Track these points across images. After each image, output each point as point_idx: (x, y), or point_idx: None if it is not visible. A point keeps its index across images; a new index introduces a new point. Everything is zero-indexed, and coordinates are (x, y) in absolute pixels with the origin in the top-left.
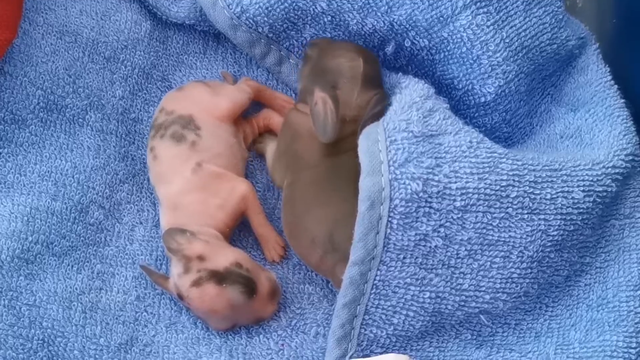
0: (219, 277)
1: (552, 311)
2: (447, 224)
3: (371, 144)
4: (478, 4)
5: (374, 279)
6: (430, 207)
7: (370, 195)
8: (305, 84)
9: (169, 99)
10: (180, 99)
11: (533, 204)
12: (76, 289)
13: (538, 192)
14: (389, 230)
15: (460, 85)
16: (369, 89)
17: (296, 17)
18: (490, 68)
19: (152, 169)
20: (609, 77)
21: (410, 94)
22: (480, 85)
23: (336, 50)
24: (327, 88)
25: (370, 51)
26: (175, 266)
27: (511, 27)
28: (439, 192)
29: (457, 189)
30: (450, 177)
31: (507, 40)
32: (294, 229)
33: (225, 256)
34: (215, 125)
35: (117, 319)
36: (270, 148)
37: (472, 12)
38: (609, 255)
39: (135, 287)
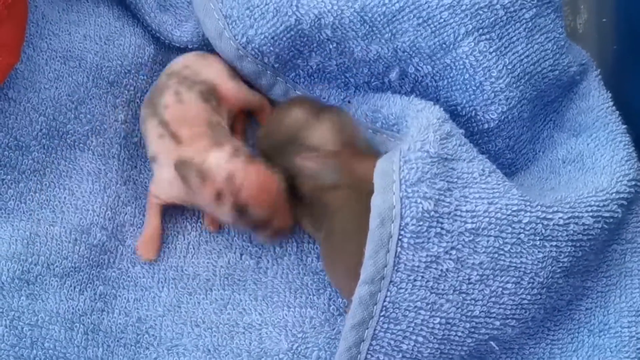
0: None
1: (554, 335)
2: (459, 246)
3: (386, 165)
4: (480, 30)
5: (384, 301)
6: (442, 228)
7: (381, 212)
8: (286, 168)
9: (192, 60)
10: (206, 66)
11: (546, 230)
12: (78, 310)
13: (550, 216)
14: (399, 249)
15: (464, 112)
16: (322, 115)
17: (302, 44)
18: (493, 94)
19: (174, 108)
20: (611, 103)
21: (427, 117)
22: (483, 112)
23: (274, 123)
24: (297, 151)
25: (300, 96)
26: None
27: (514, 54)
28: (450, 212)
29: (467, 211)
30: (460, 201)
31: (510, 67)
32: (334, 265)
33: None
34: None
35: (118, 341)
36: (299, 207)
37: (475, 38)
38: (610, 280)
39: (137, 309)
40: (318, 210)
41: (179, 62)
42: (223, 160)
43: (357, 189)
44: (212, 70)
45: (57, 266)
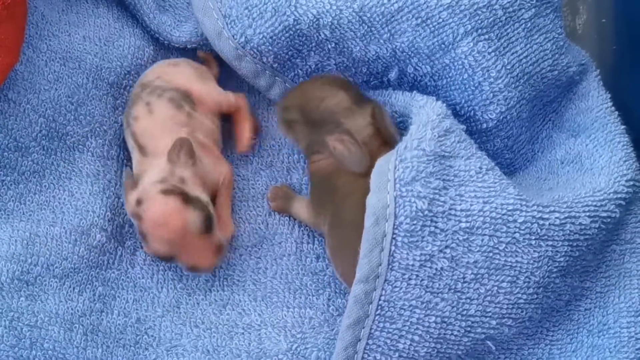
0: (187, 198)
1: (552, 336)
2: (453, 245)
3: (384, 164)
4: (479, 30)
5: (379, 299)
6: (436, 227)
7: (375, 211)
8: (309, 141)
9: (163, 70)
10: (177, 74)
11: (541, 230)
12: (78, 310)
13: (547, 216)
14: (393, 248)
15: (462, 112)
16: (363, 105)
17: (301, 44)
18: (491, 94)
19: (142, 121)
20: (610, 103)
21: (427, 113)
22: (482, 112)
23: (314, 98)
24: (335, 130)
25: (338, 76)
26: (153, 174)
27: (512, 54)
28: (444, 212)
29: (461, 210)
30: (455, 200)
31: (509, 67)
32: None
33: (203, 192)
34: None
35: (117, 341)
36: (296, 203)
37: (474, 38)
38: (609, 280)
39: (136, 309)
40: (325, 193)
41: (152, 72)
42: (147, 182)
43: (367, 178)
44: (182, 76)
45: (56, 267)
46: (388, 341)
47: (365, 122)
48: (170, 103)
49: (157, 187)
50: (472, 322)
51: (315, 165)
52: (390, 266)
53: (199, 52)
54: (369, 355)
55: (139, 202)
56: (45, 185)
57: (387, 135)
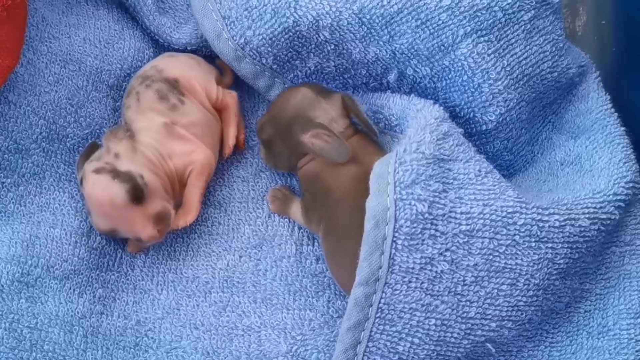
0: (116, 173)
1: (552, 338)
2: (453, 248)
3: (382, 167)
4: (479, 32)
5: (379, 302)
6: (436, 230)
7: (375, 214)
8: (290, 150)
9: (160, 60)
10: (171, 62)
11: (541, 232)
12: (78, 312)
13: (546, 218)
14: (393, 251)
15: (462, 114)
16: (330, 96)
17: (300, 45)
18: (491, 96)
19: (132, 107)
20: (609, 105)
21: (425, 117)
22: (481, 114)
23: (280, 104)
24: (308, 126)
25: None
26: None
27: (512, 56)
28: (444, 214)
29: (461, 213)
30: (455, 203)
31: (508, 69)
32: (342, 266)
33: (135, 166)
34: (196, 97)
35: (117, 343)
36: (294, 205)
37: (473, 40)
38: (609, 282)
39: (136, 311)
40: (317, 196)
41: (150, 63)
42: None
43: (361, 180)
44: (176, 64)
45: (56, 269)
46: (388, 344)
47: (337, 112)
48: (155, 94)
49: (91, 167)
50: (472, 325)
51: (304, 169)
52: (390, 269)
53: (218, 61)
54: (368, 358)
55: (81, 181)
56: (45, 187)
57: (364, 124)
